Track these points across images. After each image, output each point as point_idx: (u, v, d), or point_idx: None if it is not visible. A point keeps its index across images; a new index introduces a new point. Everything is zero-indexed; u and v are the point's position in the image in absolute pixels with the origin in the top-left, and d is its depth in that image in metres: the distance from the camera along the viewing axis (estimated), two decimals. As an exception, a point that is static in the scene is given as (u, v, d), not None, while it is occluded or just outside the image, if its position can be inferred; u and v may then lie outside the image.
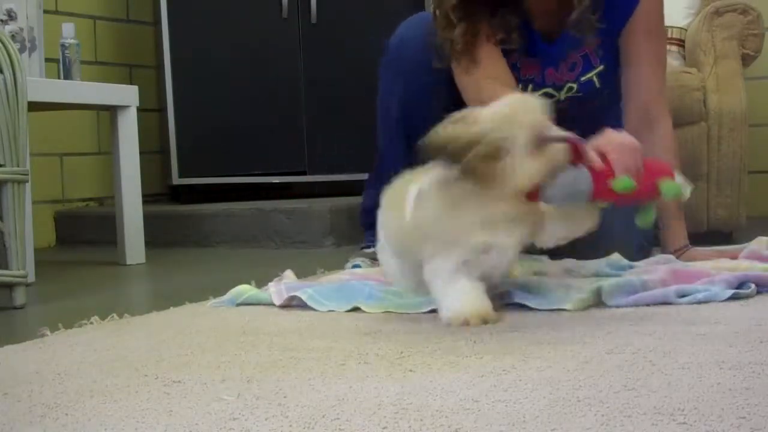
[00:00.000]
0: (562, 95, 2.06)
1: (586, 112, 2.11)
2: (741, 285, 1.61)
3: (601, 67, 2.03)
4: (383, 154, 2.23)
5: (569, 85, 2.05)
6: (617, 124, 2.25)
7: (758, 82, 3.28)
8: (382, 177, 2.22)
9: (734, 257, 1.86)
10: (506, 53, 2.01)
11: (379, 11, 3.73)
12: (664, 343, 1.27)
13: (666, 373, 1.10)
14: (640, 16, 1.99)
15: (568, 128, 2.10)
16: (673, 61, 2.92)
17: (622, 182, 1.50)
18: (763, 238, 1.90)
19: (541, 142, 1.44)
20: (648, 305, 1.57)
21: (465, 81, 2.00)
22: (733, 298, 1.57)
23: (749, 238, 2.02)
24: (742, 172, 2.64)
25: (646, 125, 2.01)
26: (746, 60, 2.73)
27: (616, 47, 2.02)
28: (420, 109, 2.12)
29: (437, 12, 2.00)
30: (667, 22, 2.96)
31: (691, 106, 2.65)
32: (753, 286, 1.60)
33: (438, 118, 2.07)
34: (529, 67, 2.06)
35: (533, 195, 1.46)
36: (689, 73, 2.72)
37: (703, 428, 0.88)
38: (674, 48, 2.96)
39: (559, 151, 1.45)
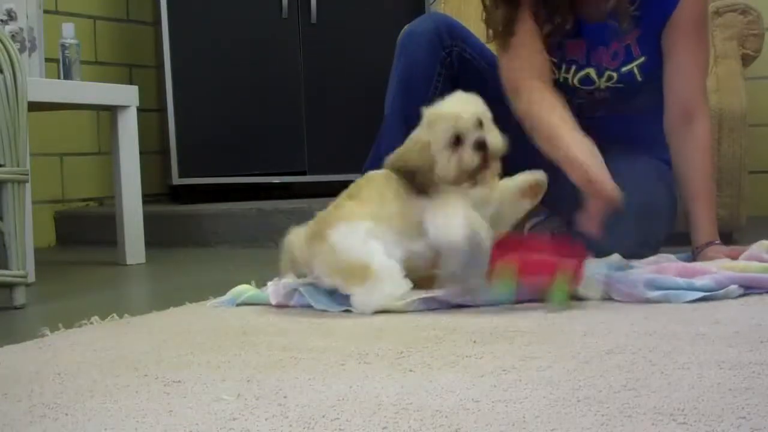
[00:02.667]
0: (602, 83, 2.11)
1: (630, 110, 2.15)
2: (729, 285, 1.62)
3: (642, 59, 2.07)
4: (381, 137, 2.31)
5: (609, 73, 2.10)
6: (662, 136, 2.26)
7: (758, 82, 3.28)
8: (379, 159, 2.31)
9: (735, 257, 1.87)
10: (551, 32, 2.09)
11: (379, 11, 3.73)
12: (664, 343, 1.27)
13: (666, 373, 1.11)
14: (682, 12, 2.02)
15: (612, 121, 2.16)
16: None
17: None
18: (765, 242, 1.89)
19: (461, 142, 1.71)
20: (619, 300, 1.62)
21: (503, 61, 2.13)
22: (709, 299, 1.58)
23: (749, 238, 2.02)
24: (742, 172, 2.63)
25: (685, 122, 2.05)
26: (746, 60, 2.73)
27: (658, 40, 2.06)
28: (416, 89, 2.24)
29: None
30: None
31: (691, 106, 2.65)
32: (735, 287, 1.61)
33: (429, 100, 2.22)
34: (575, 47, 2.12)
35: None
36: (689, 73, 2.71)
37: (703, 428, 0.88)
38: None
39: (469, 155, 1.70)
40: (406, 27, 2.36)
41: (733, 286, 1.61)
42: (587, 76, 2.13)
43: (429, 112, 1.77)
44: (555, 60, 2.14)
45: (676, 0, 2.02)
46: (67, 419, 1.02)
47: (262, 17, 3.68)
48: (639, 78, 2.09)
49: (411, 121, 2.26)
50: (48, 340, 1.51)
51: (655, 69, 2.09)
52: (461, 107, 1.74)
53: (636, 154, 2.13)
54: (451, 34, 2.24)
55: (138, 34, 3.98)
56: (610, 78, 2.10)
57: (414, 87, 2.25)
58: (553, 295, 1.54)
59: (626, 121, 2.20)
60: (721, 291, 1.60)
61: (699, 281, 1.62)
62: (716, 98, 2.64)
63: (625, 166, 2.08)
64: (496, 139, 1.73)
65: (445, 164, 1.71)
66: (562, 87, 2.18)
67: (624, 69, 2.09)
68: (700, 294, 1.58)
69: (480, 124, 1.72)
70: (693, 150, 2.04)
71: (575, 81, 2.14)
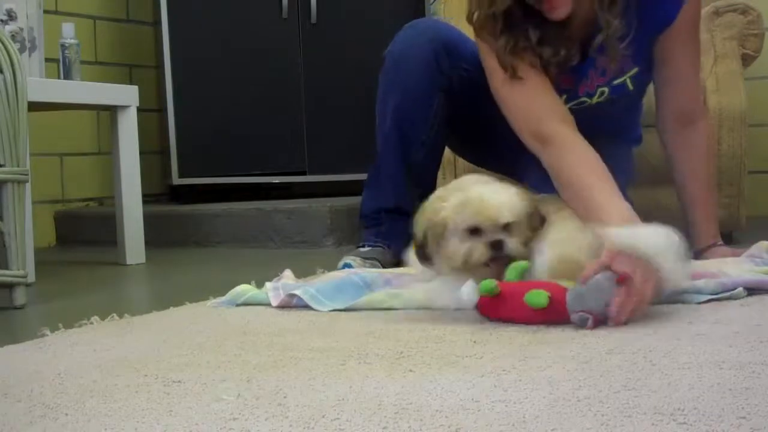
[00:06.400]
0: (594, 100, 2.05)
1: (609, 111, 2.13)
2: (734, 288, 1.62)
3: (635, 70, 2.02)
4: (379, 162, 2.27)
5: (601, 89, 2.04)
6: (628, 125, 2.25)
7: (758, 82, 3.28)
8: (379, 183, 2.28)
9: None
10: (555, 65, 1.97)
11: (379, 11, 3.73)
12: (664, 343, 1.27)
13: (666, 373, 1.11)
14: (681, 22, 1.98)
15: (591, 125, 2.14)
16: (673, 61, 2.91)
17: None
18: (765, 242, 1.89)
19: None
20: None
21: (513, 100, 1.94)
22: (720, 299, 1.58)
23: (749, 238, 2.02)
24: (742, 172, 2.63)
25: (685, 126, 2.03)
26: (746, 60, 2.73)
27: (650, 48, 2.01)
28: (414, 120, 2.20)
29: (481, 13, 1.93)
30: (667, 22, 2.96)
31: (691, 106, 2.65)
32: (741, 289, 1.61)
33: (430, 131, 2.10)
34: (564, 80, 2.04)
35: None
36: (689, 73, 2.72)
37: (703, 428, 0.88)
38: (674, 48, 2.96)
39: (480, 252, 1.56)
40: (397, 41, 2.23)
41: (740, 289, 1.61)
42: (580, 102, 2.06)
43: (464, 190, 1.60)
44: None
45: (674, 12, 1.96)
46: (67, 419, 1.02)
47: (262, 17, 3.68)
48: (631, 88, 2.04)
49: (408, 158, 2.20)
50: (48, 340, 1.51)
51: (646, 76, 2.06)
52: (498, 202, 1.57)
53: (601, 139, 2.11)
54: (449, 54, 2.15)
55: (138, 34, 3.98)
56: (602, 94, 2.04)
57: (411, 119, 2.19)
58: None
59: (594, 122, 2.16)
60: (727, 293, 1.60)
61: (703, 284, 1.61)
62: (716, 98, 2.64)
63: None
64: (515, 246, 1.56)
65: (454, 249, 1.58)
66: None
67: (616, 82, 2.03)
68: (708, 297, 1.58)
69: (506, 227, 1.57)
70: (693, 154, 2.03)
71: (568, 105, 2.06)
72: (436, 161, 2.30)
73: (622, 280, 1.41)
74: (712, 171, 2.08)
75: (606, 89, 2.04)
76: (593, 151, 1.76)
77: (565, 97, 2.06)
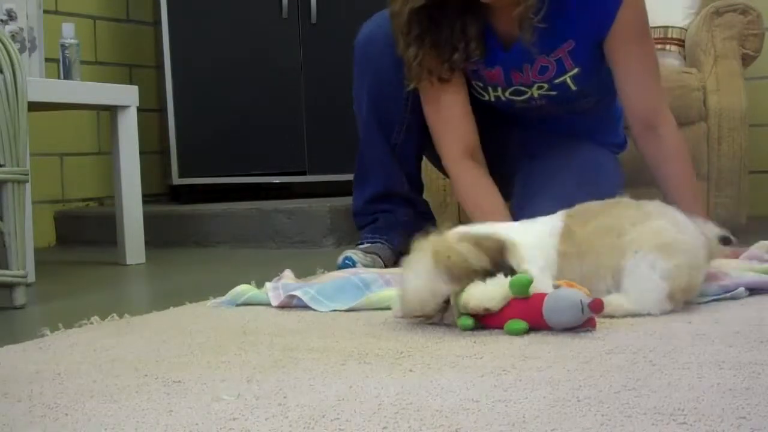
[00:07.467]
0: (534, 92, 2.07)
1: (570, 112, 2.13)
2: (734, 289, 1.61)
3: (575, 70, 2.02)
4: (362, 150, 2.28)
5: (539, 84, 2.05)
6: (605, 126, 2.25)
7: (758, 82, 3.28)
8: (366, 172, 2.27)
9: (735, 257, 1.86)
10: (464, 59, 2.02)
11: (379, 11, 3.73)
12: (664, 343, 1.27)
13: (666, 373, 1.11)
14: (623, 24, 1.97)
15: (554, 127, 2.13)
16: (673, 61, 2.91)
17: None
18: (764, 243, 1.89)
19: None
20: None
21: (431, 119, 2.13)
22: (720, 300, 1.58)
23: (749, 238, 2.02)
24: (742, 172, 2.64)
25: (651, 130, 2.02)
26: (746, 60, 2.73)
27: (594, 50, 2.02)
28: (388, 101, 2.20)
29: (394, 30, 2.05)
30: (667, 22, 2.97)
31: (690, 106, 2.65)
32: (742, 289, 1.61)
33: (406, 109, 2.18)
34: (492, 75, 2.07)
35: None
36: (689, 73, 2.72)
37: (703, 428, 0.88)
38: (674, 48, 2.96)
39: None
40: (363, 29, 2.28)
41: (740, 289, 1.61)
42: (516, 91, 2.09)
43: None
44: (480, 84, 2.10)
45: (612, 14, 1.96)
46: (67, 419, 1.02)
47: (262, 17, 3.68)
48: (573, 87, 2.05)
49: (390, 139, 2.22)
50: (48, 340, 1.51)
51: (590, 77, 2.05)
52: (408, 299, 1.46)
53: (579, 141, 2.12)
54: None
55: (138, 34, 3.98)
56: (541, 87, 2.06)
57: (386, 99, 2.20)
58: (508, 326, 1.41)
59: (566, 120, 2.18)
60: (728, 294, 1.60)
61: (704, 287, 1.61)
62: (716, 98, 2.65)
63: (567, 147, 2.10)
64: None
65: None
66: (495, 103, 2.14)
67: (556, 81, 2.04)
68: (709, 298, 1.58)
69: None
70: (665, 158, 2.03)
71: (506, 95, 2.10)
72: (416, 141, 2.25)
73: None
74: (690, 174, 2.06)
75: (546, 85, 2.05)
76: (488, 180, 2.06)
77: (500, 88, 2.08)
